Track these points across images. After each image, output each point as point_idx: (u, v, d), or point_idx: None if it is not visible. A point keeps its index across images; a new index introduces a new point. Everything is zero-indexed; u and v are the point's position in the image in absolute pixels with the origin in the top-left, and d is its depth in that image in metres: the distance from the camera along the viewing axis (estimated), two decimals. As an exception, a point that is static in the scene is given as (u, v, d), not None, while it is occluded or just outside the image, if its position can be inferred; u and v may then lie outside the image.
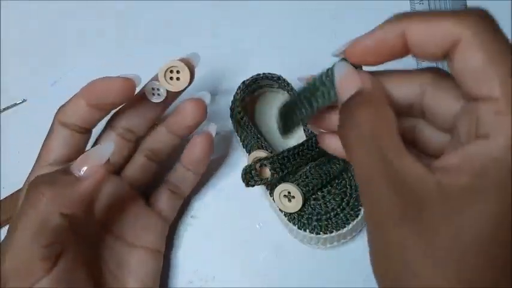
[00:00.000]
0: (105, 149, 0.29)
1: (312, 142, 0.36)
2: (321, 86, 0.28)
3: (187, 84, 0.34)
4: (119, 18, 0.44)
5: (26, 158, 0.41)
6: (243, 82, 0.38)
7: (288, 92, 0.38)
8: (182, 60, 0.34)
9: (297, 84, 0.38)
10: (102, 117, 0.33)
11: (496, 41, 0.23)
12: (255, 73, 0.38)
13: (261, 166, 0.35)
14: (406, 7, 0.44)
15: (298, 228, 0.36)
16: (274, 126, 0.39)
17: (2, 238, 0.39)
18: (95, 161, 0.29)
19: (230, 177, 0.37)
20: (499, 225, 0.22)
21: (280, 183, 0.36)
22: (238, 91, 0.38)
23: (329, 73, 0.28)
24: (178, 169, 0.37)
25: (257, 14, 0.44)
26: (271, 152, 0.36)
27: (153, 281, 0.34)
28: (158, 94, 0.34)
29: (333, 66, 0.28)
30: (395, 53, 0.26)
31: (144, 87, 0.34)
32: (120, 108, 0.35)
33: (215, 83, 0.37)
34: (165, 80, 0.33)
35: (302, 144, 0.36)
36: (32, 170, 0.33)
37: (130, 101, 0.34)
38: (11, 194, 0.40)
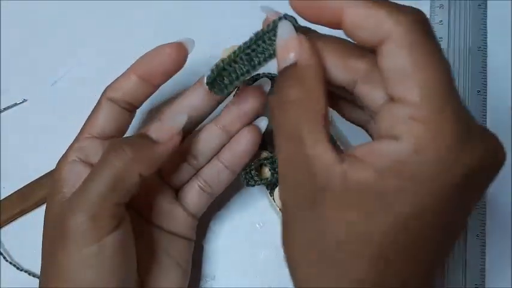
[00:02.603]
0: (179, 118, 0.31)
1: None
2: (261, 43, 0.28)
3: None
4: (119, 18, 0.44)
5: (26, 158, 0.41)
6: (243, 82, 0.38)
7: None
8: None
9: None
10: (151, 93, 0.33)
11: (426, 44, 0.22)
12: (255, 73, 0.38)
13: (261, 166, 0.35)
14: (426, 7, 0.44)
15: (299, 228, 0.36)
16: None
17: (3, 237, 0.40)
18: (171, 128, 0.30)
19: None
20: (389, 233, 0.22)
21: (280, 183, 0.36)
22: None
23: (270, 30, 0.28)
24: (214, 164, 0.34)
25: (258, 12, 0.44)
26: (271, 152, 0.36)
27: (186, 264, 0.35)
28: None
29: (276, 23, 0.27)
30: (330, 24, 0.25)
31: (201, 78, 0.33)
32: (170, 101, 0.34)
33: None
34: None
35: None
36: (74, 140, 0.32)
37: (184, 92, 0.33)
38: (14, 193, 0.40)
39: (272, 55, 0.28)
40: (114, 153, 0.29)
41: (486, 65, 0.43)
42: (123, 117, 0.32)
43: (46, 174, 0.39)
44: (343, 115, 0.30)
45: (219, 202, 0.39)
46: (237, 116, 0.33)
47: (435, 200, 0.22)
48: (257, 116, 0.34)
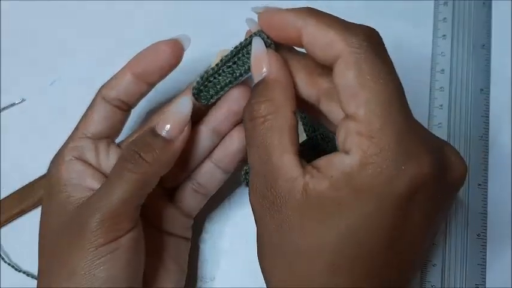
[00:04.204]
0: (184, 106, 0.31)
1: (312, 142, 0.35)
2: (241, 56, 0.30)
3: None
4: (119, 18, 0.44)
5: (26, 158, 0.41)
6: (243, 82, 0.38)
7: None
8: None
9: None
10: (146, 92, 0.33)
11: (374, 63, 0.24)
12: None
13: (261, 166, 0.35)
14: (430, 6, 0.44)
15: (299, 228, 0.36)
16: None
17: (2, 238, 0.40)
18: (179, 120, 0.30)
19: (230, 178, 0.37)
20: (340, 241, 0.24)
21: (280, 183, 0.35)
22: None
23: (247, 45, 0.30)
24: (206, 166, 0.34)
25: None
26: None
27: (184, 263, 0.35)
28: None
29: (250, 38, 0.29)
30: (293, 43, 0.27)
31: (190, 84, 0.32)
32: (160, 108, 0.33)
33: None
34: None
35: (302, 144, 0.35)
36: (67, 140, 0.32)
37: (172, 100, 0.33)
38: (13, 193, 0.40)
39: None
40: (135, 162, 0.29)
41: (490, 63, 0.42)
42: (118, 116, 0.32)
43: (46, 174, 0.39)
44: (326, 126, 0.32)
45: (218, 203, 0.39)
46: (226, 116, 0.33)
47: (380, 211, 0.23)
48: None
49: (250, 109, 0.27)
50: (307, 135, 0.37)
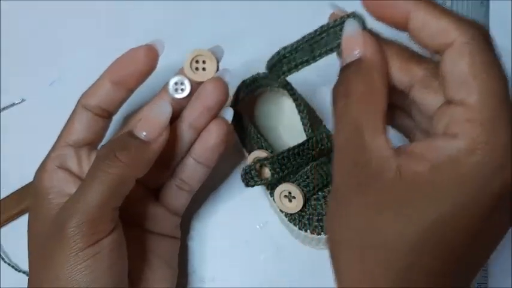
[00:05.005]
0: (163, 109, 0.31)
1: (312, 142, 0.36)
2: (326, 36, 0.29)
3: (214, 74, 0.32)
4: (118, 18, 0.44)
5: (26, 158, 0.41)
6: (243, 81, 0.38)
7: (288, 92, 0.38)
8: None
9: (297, 85, 0.37)
10: (126, 98, 0.33)
11: (486, 55, 0.24)
12: (255, 72, 0.37)
13: (261, 166, 0.35)
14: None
15: (299, 228, 0.36)
16: (274, 126, 0.39)
17: (2, 238, 0.40)
18: (158, 123, 0.30)
19: (230, 177, 0.37)
20: (436, 225, 0.23)
21: (280, 183, 0.35)
22: (238, 91, 0.38)
23: (336, 25, 0.29)
24: (187, 162, 0.35)
25: (256, 11, 0.44)
26: (271, 152, 0.36)
27: (174, 262, 0.35)
28: (182, 89, 0.32)
29: (343, 19, 0.28)
30: (395, 23, 0.26)
31: (165, 85, 0.33)
32: (138, 111, 0.34)
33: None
34: (191, 70, 0.32)
35: (303, 144, 0.36)
36: (51, 149, 0.33)
37: (149, 102, 0.33)
38: (13, 193, 0.40)
39: (334, 49, 0.29)
40: (110, 162, 0.29)
41: (489, 63, 0.42)
42: (99, 124, 0.33)
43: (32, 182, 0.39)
44: (388, 121, 0.30)
45: (218, 203, 0.39)
46: (201, 111, 0.33)
47: (477, 201, 0.23)
48: (222, 107, 0.34)
49: (347, 85, 0.26)
50: (307, 135, 0.37)
